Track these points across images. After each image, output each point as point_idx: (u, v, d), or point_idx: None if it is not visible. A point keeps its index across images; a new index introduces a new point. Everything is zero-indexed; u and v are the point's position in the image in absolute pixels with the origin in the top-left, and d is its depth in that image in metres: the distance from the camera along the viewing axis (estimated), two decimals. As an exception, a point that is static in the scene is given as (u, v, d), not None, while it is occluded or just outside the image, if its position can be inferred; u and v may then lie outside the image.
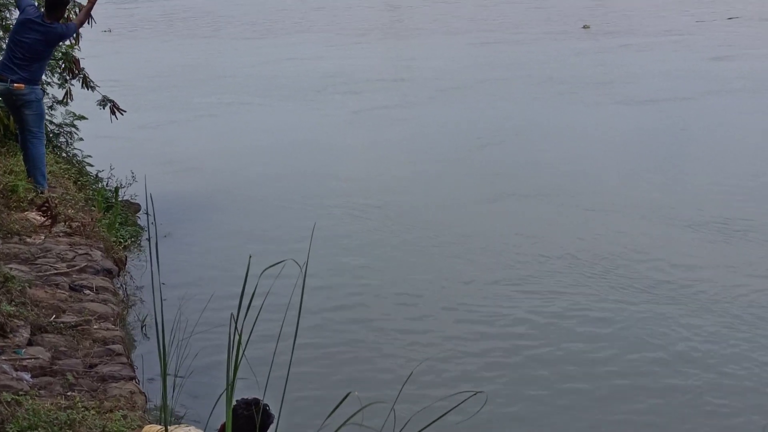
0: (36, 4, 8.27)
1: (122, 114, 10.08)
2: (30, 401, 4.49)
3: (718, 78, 19.03)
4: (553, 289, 8.18)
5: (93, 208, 8.70)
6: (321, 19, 33.41)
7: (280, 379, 2.51)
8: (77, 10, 9.28)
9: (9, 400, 4.41)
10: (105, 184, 10.18)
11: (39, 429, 4.24)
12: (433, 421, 2.43)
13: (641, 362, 6.83)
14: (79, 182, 9.57)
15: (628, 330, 7.35)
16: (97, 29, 10.12)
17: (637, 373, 6.68)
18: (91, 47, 11.27)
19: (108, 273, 6.93)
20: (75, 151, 10.51)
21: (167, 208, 9.99)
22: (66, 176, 9.28)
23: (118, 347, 5.54)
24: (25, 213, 7.63)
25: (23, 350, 5.17)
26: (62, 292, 6.22)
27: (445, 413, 2.51)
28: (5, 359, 4.96)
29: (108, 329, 5.78)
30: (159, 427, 3.59)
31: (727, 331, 7.27)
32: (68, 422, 4.36)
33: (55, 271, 6.53)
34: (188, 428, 3.55)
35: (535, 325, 7.47)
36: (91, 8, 8.13)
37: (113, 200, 9.61)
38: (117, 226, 8.79)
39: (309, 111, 16.80)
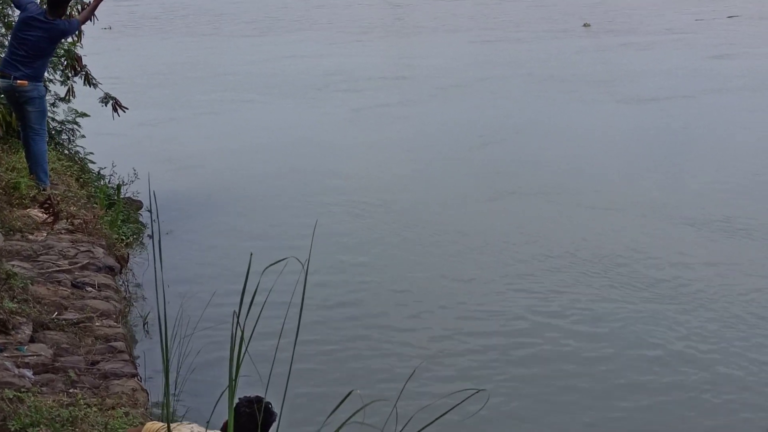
0: (38, 1, 8.28)
1: (124, 111, 10.10)
2: (32, 398, 4.51)
3: (718, 76, 19.04)
4: (554, 287, 8.19)
5: (95, 205, 8.71)
6: (322, 16, 33.39)
7: (282, 376, 2.52)
8: (79, 8, 9.29)
9: (11, 397, 4.43)
10: (107, 181, 10.19)
11: (41, 426, 4.26)
12: (434, 420, 2.44)
13: (641, 361, 6.85)
14: (81, 179, 9.57)
15: (628, 328, 7.37)
16: (98, 26, 10.10)
17: (638, 371, 6.69)
18: (91, 44, 11.26)
19: (110, 270, 6.94)
20: (77, 148, 10.52)
21: (168, 205, 10.01)
22: (68, 173, 9.29)
23: (120, 344, 5.56)
24: (28, 210, 7.64)
25: (25, 347, 5.18)
26: (64, 289, 6.24)
27: (446, 412, 2.52)
28: (7, 356, 4.98)
29: (110, 326, 5.80)
30: (161, 424, 3.59)
31: (727, 330, 7.28)
32: (70, 419, 4.38)
33: (57, 269, 6.55)
34: (191, 426, 3.56)
35: (535, 324, 7.48)
36: (96, 7, 8.15)
37: (115, 197, 9.62)
38: (119, 223, 8.81)
39: (310, 109, 16.81)
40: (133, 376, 5.25)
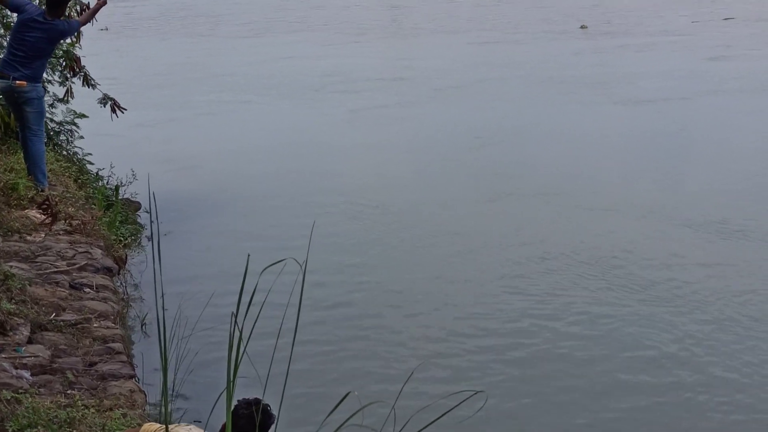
0: (36, 2, 8.28)
1: (123, 112, 10.10)
2: (30, 399, 4.51)
3: (715, 78, 19.07)
4: (551, 288, 8.20)
5: (93, 206, 8.71)
6: (319, 18, 33.40)
7: (280, 376, 2.53)
8: (78, 9, 9.29)
9: (9, 398, 4.43)
10: (105, 182, 10.20)
11: (39, 427, 4.26)
12: (433, 422, 2.45)
13: (637, 362, 6.86)
14: (79, 180, 9.58)
15: (624, 330, 7.38)
16: (95, 27, 10.12)
17: (633, 372, 6.71)
18: (90, 45, 11.27)
19: (108, 271, 6.94)
20: (75, 149, 10.53)
21: (166, 206, 10.01)
22: (66, 174, 9.29)
23: (117, 345, 5.56)
24: (26, 211, 7.64)
25: (23, 348, 5.18)
26: (62, 290, 6.24)
27: (445, 413, 2.53)
28: (5, 357, 4.98)
29: (108, 327, 5.80)
30: (159, 425, 3.60)
31: (722, 332, 7.30)
32: (68, 420, 4.38)
33: (55, 269, 6.55)
34: (189, 427, 3.56)
35: (533, 324, 7.49)
36: (97, 10, 8.17)
37: (113, 198, 9.63)
38: (117, 224, 8.81)
39: (307, 110, 16.82)
40: (131, 377, 5.25)
